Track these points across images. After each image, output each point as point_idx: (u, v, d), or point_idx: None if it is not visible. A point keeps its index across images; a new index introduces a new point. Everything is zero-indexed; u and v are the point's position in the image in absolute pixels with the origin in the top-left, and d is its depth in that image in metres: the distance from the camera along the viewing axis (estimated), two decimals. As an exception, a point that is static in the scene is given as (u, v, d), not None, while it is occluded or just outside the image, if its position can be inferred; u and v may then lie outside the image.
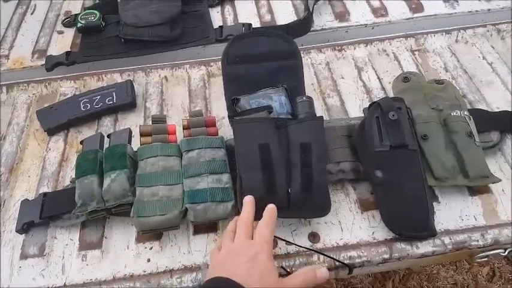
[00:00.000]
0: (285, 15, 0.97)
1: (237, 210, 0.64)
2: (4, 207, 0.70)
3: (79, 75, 0.88)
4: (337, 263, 0.61)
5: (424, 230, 0.61)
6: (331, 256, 0.61)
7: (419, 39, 0.90)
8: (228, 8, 1.01)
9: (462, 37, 0.90)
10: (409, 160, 0.64)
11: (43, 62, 0.90)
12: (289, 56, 0.75)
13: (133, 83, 0.84)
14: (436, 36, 0.90)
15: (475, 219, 0.64)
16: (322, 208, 0.61)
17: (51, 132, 0.78)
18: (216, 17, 0.98)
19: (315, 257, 0.61)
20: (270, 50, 0.75)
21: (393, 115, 0.65)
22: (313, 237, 0.63)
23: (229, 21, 0.97)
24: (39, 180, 0.72)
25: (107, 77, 0.87)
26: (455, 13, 0.94)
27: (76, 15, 0.98)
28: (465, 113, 0.70)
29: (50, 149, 0.77)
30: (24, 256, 0.64)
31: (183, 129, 0.72)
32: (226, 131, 0.76)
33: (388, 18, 0.94)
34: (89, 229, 0.66)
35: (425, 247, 0.61)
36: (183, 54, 0.91)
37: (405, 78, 0.78)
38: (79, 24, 0.93)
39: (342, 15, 0.96)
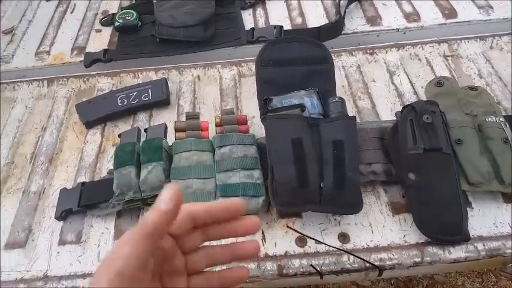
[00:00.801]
0: (316, 18, 0.98)
1: (267, 205, 0.65)
2: (44, 195, 0.72)
3: (116, 72, 0.91)
4: (367, 265, 0.61)
5: (458, 234, 0.61)
6: (362, 257, 0.61)
7: (453, 45, 0.89)
8: (259, 10, 1.03)
9: (497, 44, 0.89)
10: (443, 164, 0.64)
11: (81, 59, 0.94)
12: (322, 61, 0.76)
13: (168, 81, 0.86)
14: (470, 42, 0.89)
15: (510, 226, 0.63)
16: (354, 205, 0.62)
17: (89, 125, 0.81)
18: (247, 19, 1.00)
19: (345, 257, 0.61)
20: (303, 55, 0.77)
21: (427, 118, 0.65)
22: (343, 237, 0.64)
23: (261, 23, 0.99)
24: (77, 171, 0.75)
25: (142, 75, 0.90)
26: (490, 20, 0.93)
27: (113, 14, 1.01)
28: (501, 119, 0.69)
29: (87, 141, 0.79)
30: (62, 242, 0.66)
31: (216, 126, 0.74)
32: (256, 130, 0.77)
33: (421, 23, 0.94)
34: (124, 219, 0.68)
35: (457, 252, 0.61)
36: (215, 54, 0.93)
37: (439, 82, 0.77)
38: (116, 23, 0.97)
39: (374, 19, 0.96)
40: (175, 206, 0.31)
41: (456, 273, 1.31)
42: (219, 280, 0.35)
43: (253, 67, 0.87)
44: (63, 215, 0.68)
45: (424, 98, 0.78)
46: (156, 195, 0.62)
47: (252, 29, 0.95)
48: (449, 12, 0.95)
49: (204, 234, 0.35)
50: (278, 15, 1.00)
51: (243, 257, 0.36)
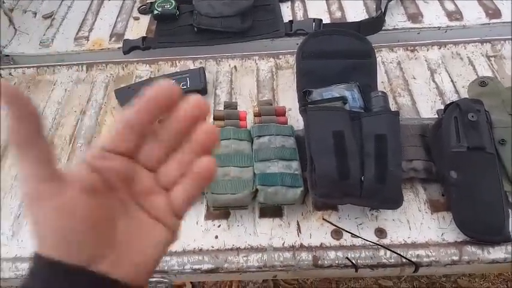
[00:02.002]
0: (356, 13, 0.97)
1: (305, 197, 0.65)
2: (81, 177, 0.74)
3: (154, 59, 0.92)
4: (403, 260, 0.60)
5: (498, 235, 0.60)
6: (398, 252, 0.61)
7: (496, 45, 0.87)
8: (298, 3, 1.02)
9: (542, 45, 0.87)
10: (486, 163, 0.63)
11: (119, 45, 0.95)
12: (364, 55, 0.76)
13: (205, 71, 0.87)
14: (514, 42, 0.87)
15: (552, 229, 0.61)
16: (395, 200, 0.61)
17: (127, 110, 0.82)
18: (286, 11, 1.00)
19: (381, 251, 0.61)
20: (345, 48, 0.76)
21: (472, 116, 0.64)
22: (380, 232, 0.63)
23: (299, 16, 0.99)
24: (115, 154, 0.76)
25: (180, 63, 0.91)
26: (535, 21, 0.91)
27: (152, 3, 1.02)
28: (546, 121, 0.68)
29: (125, 126, 0.80)
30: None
31: (254, 116, 0.74)
32: (292, 122, 0.77)
33: (463, 22, 0.93)
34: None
35: (497, 253, 0.60)
36: (252, 46, 0.93)
37: (482, 82, 0.76)
38: (155, 12, 0.98)
39: (415, 16, 0.95)
40: (19, 101, 0.25)
41: (480, 279, 1.28)
42: (193, 179, 0.29)
43: (291, 60, 0.88)
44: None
45: (466, 97, 0.77)
46: None
47: (291, 21, 0.95)
48: (493, 12, 0.93)
49: (159, 140, 0.29)
50: (317, 9, 1.00)
51: (206, 144, 0.29)
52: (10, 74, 0.94)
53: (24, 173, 0.27)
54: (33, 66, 0.95)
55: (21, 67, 0.95)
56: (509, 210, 0.62)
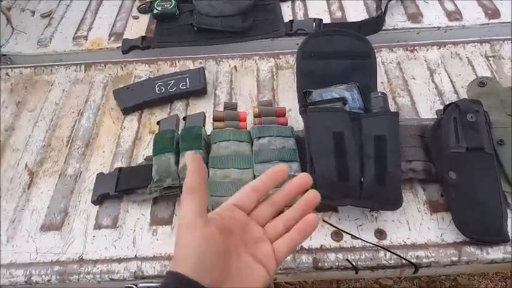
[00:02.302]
0: (356, 13, 0.97)
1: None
2: (80, 179, 0.73)
3: (153, 59, 0.92)
4: (403, 261, 0.60)
5: (497, 235, 0.60)
6: (398, 254, 0.61)
7: (495, 46, 0.87)
8: (298, 3, 1.02)
9: (541, 45, 0.87)
10: (485, 164, 0.63)
11: (119, 45, 0.95)
12: (364, 55, 0.76)
13: (205, 71, 0.86)
14: (514, 43, 0.87)
15: (550, 229, 0.62)
16: (394, 201, 0.61)
17: (126, 111, 0.82)
18: (286, 11, 1.00)
19: (381, 253, 0.61)
20: (345, 49, 0.76)
21: (471, 117, 0.65)
22: (380, 233, 0.63)
23: (300, 16, 0.99)
24: (114, 156, 0.76)
25: (179, 63, 0.91)
26: (535, 21, 0.91)
27: (152, 2, 1.01)
28: (545, 121, 0.68)
29: (124, 128, 0.80)
30: (98, 226, 0.67)
31: (254, 117, 0.74)
32: (292, 123, 0.77)
33: (462, 22, 0.93)
34: (160, 206, 0.68)
35: (495, 253, 0.60)
36: (252, 45, 0.93)
37: (481, 83, 0.76)
38: (155, 11, 0.97)
39: (415, 16, 0.95)
40: (196, 163, 0.39)
41: (479, 277, 1.29)
42: (298, 233, 0.41)
43: (291, 60, 0.88)
44: (99, 199, 0.68)
45: (465, 98, 0.77)
46: None
47: (291, 21, 0.95)
48: (492, 12, 0.94)
49: (270, 204, 0.42)
50: (317, 9, 1.00)
51: (309, 205, 0.42)
52: (7, 74, 0.93)
53: (188, 208, 0.38)
54: (30, 66, 0.94)
55: (18, 67, 0.94)
56: (508, 211, 0.63)
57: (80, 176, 0.74)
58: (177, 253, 0.37)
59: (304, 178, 0.43)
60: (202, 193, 0.38)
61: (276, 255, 0.40)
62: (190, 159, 0.39)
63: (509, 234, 0.60)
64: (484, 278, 1.29)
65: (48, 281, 0.62)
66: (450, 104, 0.68)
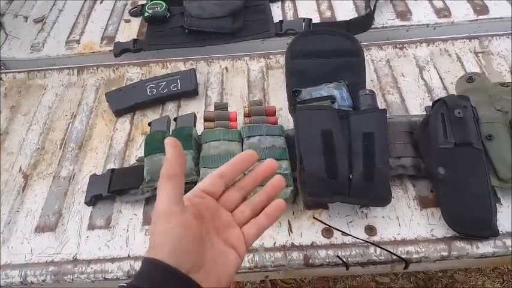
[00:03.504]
0: (345, 12, 0.98)
1: (294, 196, 0.65)
2: (74, 181, 0.74)
3: (145, 62, 0.92)
4: (393, 257, 0.61)
5: (486, 229, 0.60)
6: (388, 249, 0.61)
7: (484, 42, 0.88)
8: (288, 3, 1.03)
9: (529, 41, 0.88)
10: (473, 158, 0.64)
11: (111, 48, 0.95)
12: (352, 54, 0.77)
13: (196, 72, 0.87)
14: (502, 39, 0.88)
15: (540, 223, 0.62)
16: (383, 198, 0.62)
17: (118, 113, 0.82)
18: (276, 11, 1.01)
19: (371, 249, 0.62)
20: (334, 48, 0.77)
21: (459, 112, 0.65)
22: (370, 230, 0.64)
23: (289, 16, 1.00)
24: (106, 158, 0.76)
25: (171, 65, 0.91)
26: (522, 16, 0.92)
27: (143, 5, 1.02)
28: (533, 116, 0.68)
29: (116, 129, 0.81)
30: (91, 227, 0.68)
31: (244, 116, 0.74)
32: (283, 122, 0.77)
33: (451, 19, 0.93)
34: (152, 206, 0.66)
35: (485, 247, 0.60)
36: (243, 46, 0.94)
37: (469, 78, 0.76)
38: (146, 14, 0.98)
39: (404, 14, 0.95)
40: (176, 150, 0.39)
41: (476, 273, 1.29)
42: (266, 217, 0.42)
43: (281, 60, 0.88)
44: (92, 200, 0.69)
45: (453, 94, 0.77)
46: (185, 183, 0.65)
47: (281, 21, 0.95)
48: (481, 9, 0.94)
49: (238, 189, 0.43)
50: (307, 8, 1.00)
51: (275, 190, 0.43)
52: (1, 79, 0.94)
53: (164, 195, 0.37)
54: (24, 71, 0.95)
55: (12, 72, 0.95)
56: (497, 205, 0.63)
57: (73, 177, 0.74)
58: (154, 240, 0.37)
59: (271, 164, 0.44)
60: (179, 180, 0.38)
61: (245, 239, 0.41)
62: (169, 145, 0.39)
63: (499, 228, 0.61)
64: (481, 275, 1.29)
65: (43, 281, 0.62)
66: (438, 100, 0.68)
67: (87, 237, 0.66)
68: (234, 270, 0.40)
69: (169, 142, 0.39)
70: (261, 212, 0.43)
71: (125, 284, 0.35)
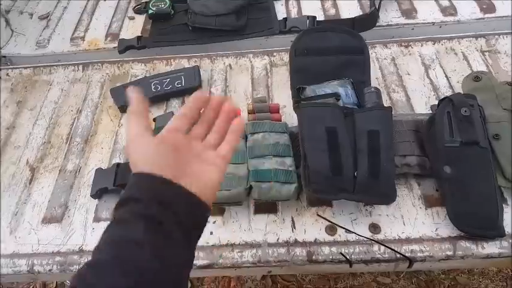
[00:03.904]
0: (350, 10, 0.98)
1: (298, 193, 0.65)
2: (79, 174, 0.74)
3: (149, 58, 0.92)
4: (397, 255, 0.60)
5: (492, 229, 0.60)
6: (392, 248, 0.61)
7: (490, 40, 0.87)
8: (292, 1, 1.03)
9: (536, 40, 0.87)
10: (479, 158, 0.63)
11: (115, 45, 0.96)
12: (357, 51, 0.76)
13: (200, 69, 0.87)
14: (508, 37, 0.87)
15: (546, 223, 0.61)
16: (388, 195, 0.61)
17: (123, 109, 0.82)
18: (280, 9, 1.01)
19: (375, 247, 0.61)
20: (338, 45, 0.77)
21: (466, 111, 0.64)
22: (374, 228, 0.63)
23: (293, 14, 0.99)
24: (112, 152, 0.77)
25: (175, 62, 0.91)
26: (530, 15, 0.91)
27: (147, 2, 1.02)
28: (540, 115, 0.68)
29: (121, 125, 0.81)
30: (97, 219, 0.68)
31: (248, 113, 0.74)
32: (287, 119, 0.77)
33: (457, 17, 0.93)
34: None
35: (491, 248, 0.60)
36: (247, 43, 0.94)
37: (476, 77, 0.76)
38: (150, 11, 0.98)
39: (409, 12, 0.95)
40: (137, 94, 0.44)
41: (479, 276, 1.28)
42: (233, 133, 0.46)
43: (285, 57, 0.88)
44: (98, 193, 0.70)
45: (459, 92, 0.77)
46: None
47: (285, 19, 0.95)
48: (488, 7, 0.93)
49: (201, 123, 0.46)
50: (311, 6, 1.00)
51: (231, 114, 0.46)
52: (7, 74, 0.95)
53: (133, 124, 0.42)
54: (29, 67, 0.95)
55: (18, 68, 0.96)
56: (503, 205, 0.62)
57: (79, 171, 0.75)
58: (135, 158, 0.41)
59: (222, 97, 0.48)
60: (145, 115, 0.44)
61: (222, 155, 0.45)
62: (130, 91, 0.44)
63: (505, 229, 0.60)
64: (485, 278, 1.28)
65: (50, 270, 0.63)
66: (444, 98, 0.67)
67: (93, 229, 0.67)
68: (216, 179, 0.43)
69: (130, 89, 0.45)
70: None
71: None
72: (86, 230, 0.67)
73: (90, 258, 0.58)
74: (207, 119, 0.47)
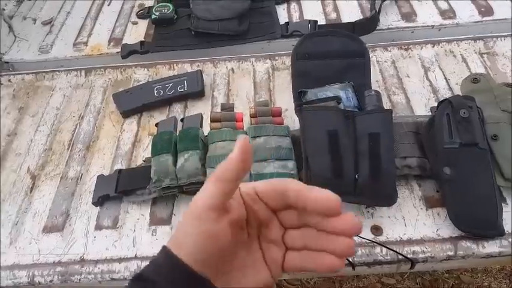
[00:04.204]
0: (351, 14, 0.99)
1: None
2: (81, 181, 0.75)
3: (152, 63, 0.93)
4: (399, 257, 0.61)
5: (492, 229, 0.61)
6: (394, 249, 0.61)
7: (489, 43, 0.88)
8: (294, 5, 1.04)
9: (534, 42, 0.88)
10: (479, 158, 0.64)
11: (118, 50, 0.96)
12: (358, 55, 0.77)
13: (202, 73, 0.88)
14: (507, 39, 0.88)
15: (546, 223, 0.62)
16: (389, 197, 0.62)
17: (125, 114, 0.83)
18: (282, 13, 1.01)
19: (377, 249, 0.62)
20: (339, 49, 0.78)
21: (464, 112, 0.65)
22: (376, 230, 0.64)
23: (295, 18, 1.00)
24: (114, 158, 0.77)
25: (177, 67, 0.92)
26: (527, 18, 0.92)
27: (150, 7, 1.03)
28: (539, 116, 0.68)
29: (124, 130, 0.82)
30: (98, 227, 0.68)
31: (251, 117, 0.75)
32: (289, 122, 0.78)
33: (456, 20, 0.94)
34: (159, 206, 0.69)
35: (491, 247, 0.60)
36: (249, 48, 0.95)
37: (475, 79, 0.77)
38: (153, 16, 0.99)
39: (409, 15, 0.96)
40: (241, 154, 0.32)
41: (483, 274, 1.29)
42: (313, 263, 0.34)
43: (287, 61, 0.89)
44: (100, 200, 0.70)
45: (458, 94, 0.78)
46: (192, 183, 0.66)
47: (287, 23, 0.96)
48: (486, 10, 0.95)
49: (301, 217, 0.35)
50: (312, 11, 1.01)
51: (334, 253, 0.33)
52: (9, 80, 0.96)
53: (203, 196, 0.32)
54: (32, 72, 0.96)
55: (20, 73, 0.97)
56: (502, 205, 0.63)
57: (80, 178, 0.75)
58: (177, 236, 0.33)
59: (352, 223, 0.33)
60: (228, 186, 0.32)
61: (284, 265, 0.35)
62: (238, 145, 0.32)
63: (505, 228, 0.61)
64: (488, 276, 1.29)
65: (51, 281, 0.63)
66: (443, 100, 0.68)
67: (95, 237, 0.67)
68: (258, 286, 0.34)
69: (241, 142, 0.32)
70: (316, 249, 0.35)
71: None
72: (87, 238, 0.67)
73: (90, 268, 0.58)
74: (310, 219, 0.34)
